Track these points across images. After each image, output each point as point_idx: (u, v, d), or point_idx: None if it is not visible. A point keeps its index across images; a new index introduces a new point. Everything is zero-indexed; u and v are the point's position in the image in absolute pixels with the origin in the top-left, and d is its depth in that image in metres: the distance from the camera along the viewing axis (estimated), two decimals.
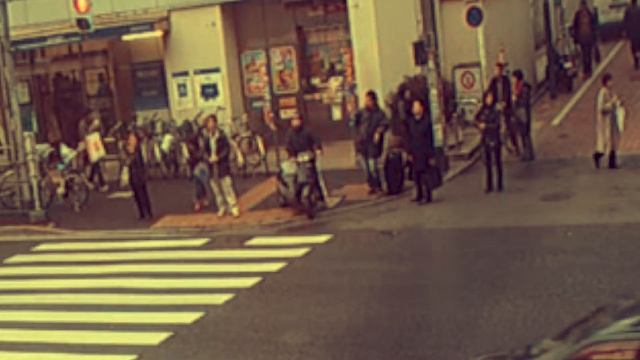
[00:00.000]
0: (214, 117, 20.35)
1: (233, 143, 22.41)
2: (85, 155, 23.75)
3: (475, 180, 20.17)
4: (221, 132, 20.32)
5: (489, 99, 19.72)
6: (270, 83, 25.57)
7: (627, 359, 8.37)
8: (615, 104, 19.90)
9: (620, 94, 26.53)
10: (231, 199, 19.86)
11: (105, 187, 23.46)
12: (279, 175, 19.90)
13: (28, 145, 21.79)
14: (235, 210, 19.77)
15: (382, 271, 15.58)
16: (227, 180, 19.78)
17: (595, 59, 30.12)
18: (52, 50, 27.27)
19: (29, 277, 17.53)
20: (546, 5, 28.42)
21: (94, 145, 23.22)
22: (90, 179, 23.39)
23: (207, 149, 19.74)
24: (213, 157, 19.57)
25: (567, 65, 27.78)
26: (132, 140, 20.87)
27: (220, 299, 14.82)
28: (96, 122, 24.38)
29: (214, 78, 25.41)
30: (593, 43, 29.87)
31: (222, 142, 19.79)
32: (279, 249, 17.37)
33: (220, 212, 19.86)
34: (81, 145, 23.74)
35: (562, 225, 16.68)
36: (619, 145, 20.42)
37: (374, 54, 23.68)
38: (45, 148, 24.25)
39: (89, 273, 17.23)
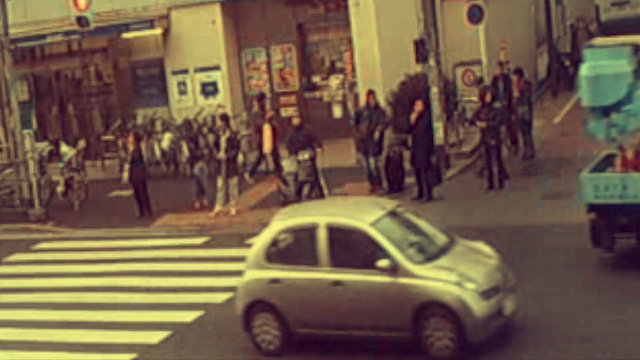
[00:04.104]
0: (225, 116, 20.28)
1: None
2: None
3: (476, 179, 20.12)
4: (232, 131, 20.30)
5: (488, 97, 19.65)
6: (271, 81, 25.52)
7: None
8: None
9: None
10: (233, 199, 19.81)
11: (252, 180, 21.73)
12: (280, 173, 19.84)
13: (27, 143, 21.76)
14: (233, 210, 19.71)
15: None
16: (234, 180, 19.76)
17: None
18: (52, 48, 27.20)
19: (28, 275, 17.49)
20: (547, 3, 28.35)
21: (269, 137, 21.46)
22: (252, 174, 21.91)
23: (216, 146, 19.73)
24: (221, 155, 19.54)
25: (568, 62, 27.68)
26: (131, 138, 20.82)
27: (220, 297, 14.76)
28: (270, 113, 22.76)
29: (214, 76, 25.36)
30: None
31: (232, 142, 19.76)
32: None
33: (213, 213, 19.76)
34: (81, 144, 23.68)
35: (563, 223, 16.61)
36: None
37: (375, 52, 23.61)
38: (44, 146, 24.20)
39: (89, 271, 17.18)
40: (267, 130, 20.86)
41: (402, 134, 20.59)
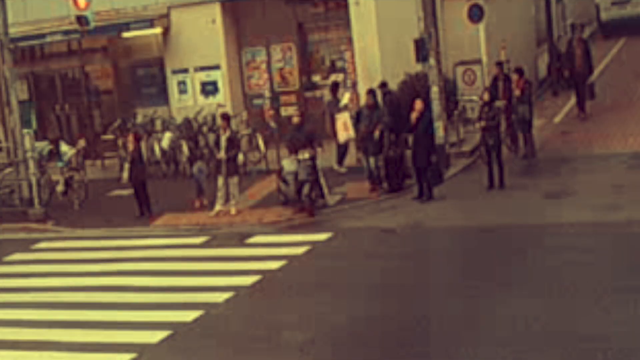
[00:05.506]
0: (226, 115, 20.31)
1: None
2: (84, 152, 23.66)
3: (476, 178, 20.10)
4: (232, 131, 20.31)
5: (486, 96, 19.63)
6: (271, 80, 25.52)
7: None
8: None
9: (622, 91, 26.59)
10: (233, 198, 19.80)
11: (343, 169, 21.66)
12: (280, 172, 19.83)
13: (27, 142, 21.74)
14: (233, 210, 19.70)
15: (383, 269, 15.50)
16: (234, 180, 19.76)
17: (589, 96, 25.05)
18: (52, 47, 27.21)
19: (28, 275, 17.46)
20: (547, 2, 28.36)
21: (343, 125, 21.13)
22: (340, 163, 21.84)
23: (217, 145, 19.73)
24: (221, 154, 19.52)
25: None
26: (131, 138, 20.81)
27: (220, 297, 14.74)
28: (347, 95, 22.09)
29: (214, 75, 25.37)
30: (588, 77, 25.07)
31: (233, 142, 19.76)
32: (280, 247, 17.29)
33: (213, 213, 19.74)
34: (80, 143, 23.68)
35: (564, 223, 16.60)
36: (621, 143, 20.35)
37: (375, 51, 23.61)
38: (44, 145, 24.22)
39: (89, 271, 17.16)
40: (340, 119, 20.82)
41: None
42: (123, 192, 22.26)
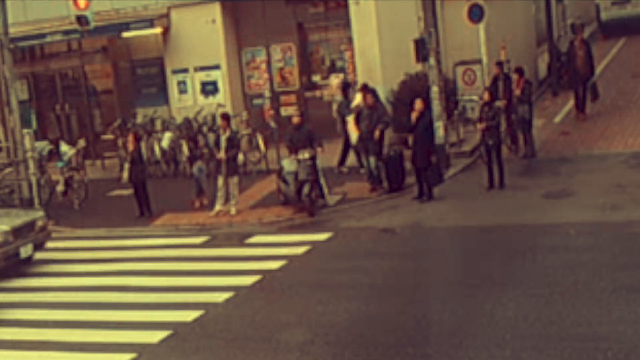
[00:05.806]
0: (226, 115, 20.29)
1: None
2: (84, 153, 23.64)
3: (476, 178, 20.10)
4: (232, 131, 20.30)
5: (486, 96, 19.61)
6: (271, 80, 25.51)
7: None
8: None
9: (622, 91, 26.56)
10: (233, 198, 19.79)
11: (363, 169, 21.06)
12: (280, 172, 19.83)
13: (27, 142, 21.72)
14: (233, 210, 19.69)
15: (383, 269, 15.50)
16: (234, 179, 19.75)
17: (592, 98, 24.51)
18: (52, 47, 27.19)
19: (27, 275, 17.44)
20: (548, 2, 28.34)
21: (355, 126, 20.60)
22: (341, 163, 21.71)
23: (217, 145, 19.72)
24: (221, 154, 19.51)
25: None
26: (131, 137, 20.81)
27: (221, 297, 14.74)
28: (359, 97, 21.41)
29: (214, 75, 25.35)
30: (589, 79, 24.45)
31: (232, 141, 19.75)
32: (280, 247, 17.29)
33: (213, 213, 19.75)
34: (80, 143, 23.67)
35: (564, 223, 16.59)
36: (621, 143, 20.31)
37: (375, 51, 23.60)
38: (44, 145, 24.19)
39: (88, 271, 17.16)
40: (351, 120, 20.78)
41: (402, 133, 20.59)
42: (123, 192, 22.26)
